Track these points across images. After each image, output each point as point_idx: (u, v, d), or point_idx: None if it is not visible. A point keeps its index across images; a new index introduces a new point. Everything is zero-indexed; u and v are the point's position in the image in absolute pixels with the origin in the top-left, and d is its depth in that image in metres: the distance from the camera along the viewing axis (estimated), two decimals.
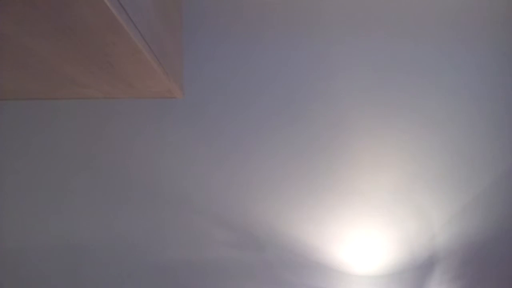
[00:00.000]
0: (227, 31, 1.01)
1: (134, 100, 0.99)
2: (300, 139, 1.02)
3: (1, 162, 0.98)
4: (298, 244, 1.02)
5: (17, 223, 0.98)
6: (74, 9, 0.44)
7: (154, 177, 1.00)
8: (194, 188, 1.00)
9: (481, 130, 1.05)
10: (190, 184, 1.00)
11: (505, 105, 1.05)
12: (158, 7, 0.70)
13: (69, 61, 0.65)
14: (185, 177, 1.00)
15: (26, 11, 0.44)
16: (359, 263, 1.03)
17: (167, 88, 0.86)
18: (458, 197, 1.04)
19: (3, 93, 0.90)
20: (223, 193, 1.01)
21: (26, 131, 0.98)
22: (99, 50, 0.59)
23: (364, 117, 1.03)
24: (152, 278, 1.00)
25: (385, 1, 1.03)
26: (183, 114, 1.00)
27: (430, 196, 1.04)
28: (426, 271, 1.04)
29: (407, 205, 1.03)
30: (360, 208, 1.03)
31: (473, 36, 1.04)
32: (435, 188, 1.04)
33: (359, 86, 1.03)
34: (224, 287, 1.01)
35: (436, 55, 1.04)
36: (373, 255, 1.03)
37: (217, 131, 1.01)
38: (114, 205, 0.99)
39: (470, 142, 1.04)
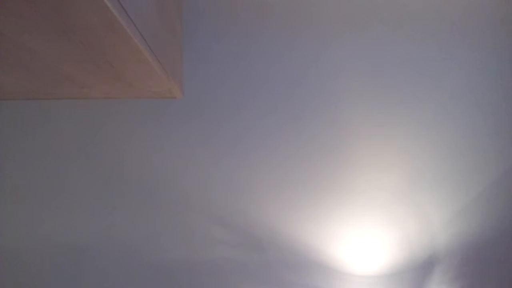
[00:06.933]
0: (227, 31, 1.00)
1: (134, 100, 0.99)
2: (300, 138, 1.02)
3: (0, 162, 0.98)
4: (297, 244, 1.02)
5: (16, 223, 0.98)
6: (74, 9, 0.44)
7: (154, 177, 1.00)
8: (194, 187, 1.00)
9: (482, 130, 1.05)
10: (190, 184, 1.00)
11: (506, 105, 1.05)
12: (158, 7, 0.70)
13: (69, 61, 0.65)
14: (185, 177, 1.00)
15: (26, 11, 0.44)
16: (359, 263, 1.03)
17: (167, 88, 0.86)
18: (458, 197, 1.04)
19: (3, 93, 0.90)
20: (222, 193, 1.01)
21: (26, 131, 0.98)
22: (99, 50, 0.59)
23: (364, 116, 1.03)
24: (151, 278, 1.00)
25: (385, 0, 1.03)
26: (183, 114, 1.00)
27: (430, 196, 1.04)
28: (426, 271, 1.04)
29: (407, 205, 1.03)
30: (360, 208, 1.03)
31: (475, 35, 1.04)
32: (435, 188, 1.04)
33: (359, 85, 1.03)
34: (223, 287, 1.01)
35: (437, 54, 1.04)
36: (373, 255, 1.03)
37: (217, 131, 1.01)
38: (114, 205, 0.99)
39: (471, 142, 1.04)
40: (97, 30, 0.50)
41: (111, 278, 1.00)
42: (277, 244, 1.02)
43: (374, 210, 1.03)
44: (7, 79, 0.77)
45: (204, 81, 1.00)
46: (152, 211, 1.00)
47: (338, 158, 1.02)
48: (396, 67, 1.03)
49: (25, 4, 0.42)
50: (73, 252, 0.99)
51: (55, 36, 0.52)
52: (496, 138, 1.05)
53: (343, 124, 1.02)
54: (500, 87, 1.05)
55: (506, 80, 1.05)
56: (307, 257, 1.02)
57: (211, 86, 1.01)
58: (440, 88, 1.04)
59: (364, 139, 1.03)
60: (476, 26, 1.04)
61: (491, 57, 1.04)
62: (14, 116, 0.98)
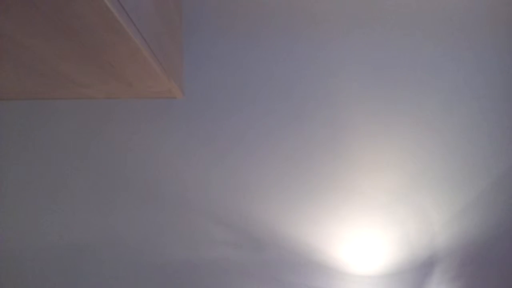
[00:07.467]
0: (227, 31, 1.00)
1: (134, 100, 0.99)
2: (300, 138, 1.02)
3: (0, 162, 0.98)
4: (297, 244, 1.02)
5: (16, 223, 0.98)
6: (74, 9, 0.44)
7: (154, 177, 1.00)
8: (194, 188, 1.00)
9: (482, 130, 1.05)
10: (190, 184, 1.00)
11: (506, 105, 1.05)
12: (158, 7, 0.70)
13: (68, 61, 0.65)
14: (184, 177, 1.00)
15: (26, 11, 0.44)
16: (359, 263, 1.03)
17: (167, 88, 0.86)
18: (458, 197, 1.04)
19: (3, 93, 0.90)
20: (222, 193, 1.01)
21: (26, 131, 0.98)
22: (99, 50, 0.59)
23: (364, 116, 1.03)
24: (151, 278, 1.00)
25: (385, 0, 1.03)
26: (183, 114, 1.00)
27: (430, 196, 1.04)
28: (426, 271, 1.04)
29: (407, 205, 1.03)
30: (360, 208, 1.03)
31: (474, 34, 1.04)
32: (435, 188, 1.04)
33: (359, 85, 1.03)
34: (223, 287, 1.01)
35: (437, 53, 1.04)
36: (373, 255, 1.03)
37: (217, 131, 1.01)
38: (114, 205, 0.99)
39: (471, 142, 1.04)
40: (97, 30, 0.51)
41: (111, 278, 1.00)
42: (277, 244, 1.02)
43: (374, 210, 1.03)
44: (7, 79, 0.77)
45: (204, 81, 1.00)
46: (152, 211, 1.00)
47: (338, 158, 1.02)
48: (396, 67, 1.03)
49: (25, 4, 0.42)
50: (73, 252, 0.99)
51: (55, 36, 0.52)
52: (496, 138, 1.05)
53: (343, 124, 1.02)
54: (500, 87, 1.05)
55: (506, 80, 1.05)
56: (307, 257, 1.02)
57: (211, 86, 1.01)
58: (440, 88, 1.04)
59: (364, 139, 1.03)
60: (476, 26, 1.04)
61: (491, 57, 1.04)
62: (14, 116, 0.98)
